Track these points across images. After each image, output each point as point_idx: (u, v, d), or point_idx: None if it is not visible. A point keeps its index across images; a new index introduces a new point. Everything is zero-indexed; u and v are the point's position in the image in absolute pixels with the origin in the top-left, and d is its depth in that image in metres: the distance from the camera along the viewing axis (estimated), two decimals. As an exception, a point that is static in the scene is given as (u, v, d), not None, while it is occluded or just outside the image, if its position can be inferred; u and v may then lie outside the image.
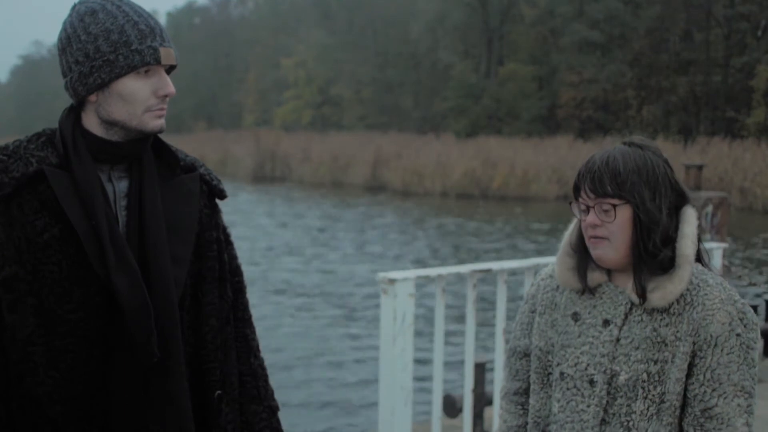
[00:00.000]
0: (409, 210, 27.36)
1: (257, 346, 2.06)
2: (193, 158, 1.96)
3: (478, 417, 5.27)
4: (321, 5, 61.18)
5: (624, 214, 1.85)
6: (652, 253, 1.85)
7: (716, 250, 5.80)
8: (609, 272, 1.93)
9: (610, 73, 38.18)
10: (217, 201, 2.00)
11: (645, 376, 1.83)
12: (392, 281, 3.74)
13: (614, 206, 1.85)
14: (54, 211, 1.72)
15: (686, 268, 1.84)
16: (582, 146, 32.80)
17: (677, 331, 1.83)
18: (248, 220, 23.59)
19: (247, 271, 2.17)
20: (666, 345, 1.83)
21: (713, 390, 1.82)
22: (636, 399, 1.84)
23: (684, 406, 1.85)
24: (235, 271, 2.03)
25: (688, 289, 1.85)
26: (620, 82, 38.09)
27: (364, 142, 40.99)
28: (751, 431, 1.83)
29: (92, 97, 1.77)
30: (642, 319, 1.86)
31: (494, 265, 4.23)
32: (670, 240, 1.86)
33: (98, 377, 1.75)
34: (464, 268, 4.13)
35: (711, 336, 1.82)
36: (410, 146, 37.90)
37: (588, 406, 1.88)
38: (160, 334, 1.75)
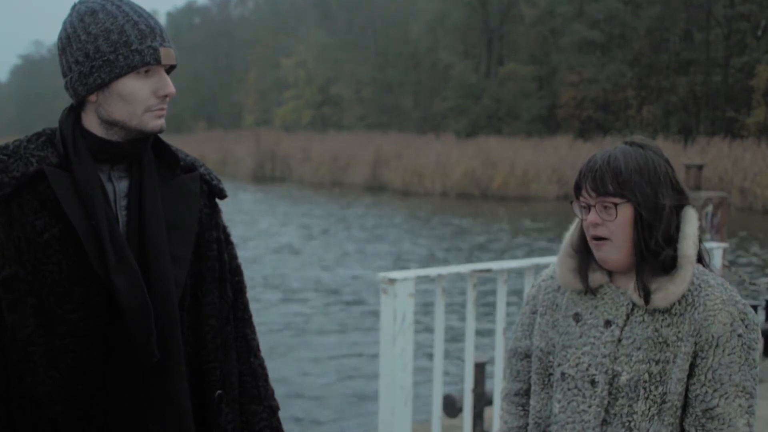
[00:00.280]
0: (409, 210, 27.36)
1: (257, 346, 2.06)
2: (193, 158, 1.96)
3: (478, 417, 5.28)
4: (321, 5, 61.18)
5: (625, 212, 1.85)
6: (654, 252, 1.84)
7: (716, 250, 5.80)
8: (610, 273, 1.93)
9: (610, 73, 38.18)
10: (217, 201, 2.00)
11: (646, 376, 1.83)
12: (392, 281, 3.74)
13: (615, 205, 1.84)
14: (54, 211, 1.72)
15: (688, 269, 1.84)
16: (582, 146, 32.80)
17: (679, 332, 1.83)
18: (248, 219, 23.59)
19: (247, 271, 2.17)
20: (667, 345, 1.83)
21: (714, 390, 1.81)
22: (637, 399, 1.84)
23: (685, 406, 1.85)
24: (235, 271, 2.03)
25: (689, 290, 1.85)
26: (620, 82, 38.09)
27: (364, 142, 41.00)
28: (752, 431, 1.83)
29: (92, 97, 1.76)
30: (643, 320, 1.86)
31: (494, 265, 4.23)
32: (672, 240, 1.86)
33: (98, 377, 1.75)
34: (464, 268, 4.13)
35: (712, 336, 1.82)
36: (410, 146, 37.91)
37: (589, 407, 1.88)
38: (160, 334, 1.75)
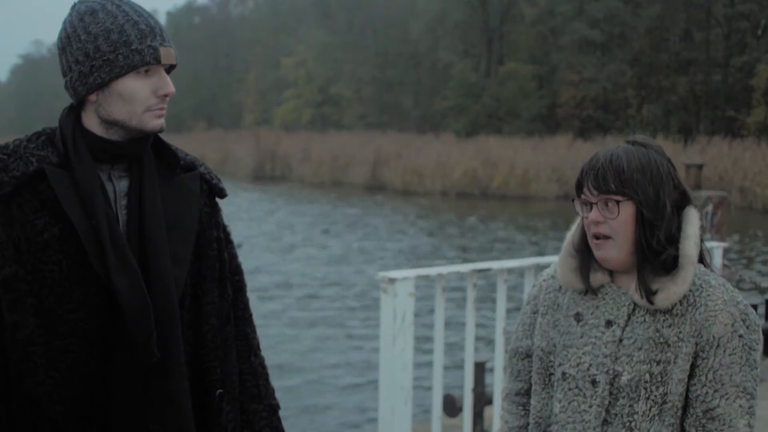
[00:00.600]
0: (409, 209, 27.36)
1: (257, 345, 2.06)
2: (193, 157, 1.96)
3: (478, 416, 5.27)
4: (321, 5, 61.17)
5: (627, 210, 1.85)
6: (656, 252, 1.84)
7: (716, 249, 5.80)
8: (611, 273, 1.92)
9: (610, 72, 38.18)
10: (217, 200, 2.00)
11: (647, 376, 1.83)
12: (392, 281, 3.74)
13: (618, 202, 1.84)
14: (54, 211, 1.72)
15: (689, 269, 1.83)
16: (582, 145, 32.80)
17: (680, 332, 1.83)
18: (248, 219, 23.59)
19: (247, 271, 2.17)
20: (668, 346, 1.83)
21: (715, 391, 1.81)
22: (638, 399, 1.83)
23: (686, 406, 1.85)
24: (235, 270, 2.03)
25: (690, 290, 1.84)
26: (620, 82, 38.09)
27: (364, 141, 41.01)
28: (752, 432, 1.83)
29: (92, 97, 1.76)
30: (645, 320, 1.86)
31: (494, 265, 4.23)
32: (673, 240, 1.86)
33: (98, 377, 1.75)
34: (464, 268, 4.13)
35: (713, 337, 1.81)
36: (410, 146, 37.92)
37: (590, 407, 1.88)
38: (160, 334, 1.75)
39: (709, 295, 1.84)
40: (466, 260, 15.01)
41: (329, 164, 40.81)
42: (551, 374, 1.98)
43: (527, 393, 2.09)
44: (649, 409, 1.83)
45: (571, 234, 2.00)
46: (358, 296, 12.98)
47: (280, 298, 12.84)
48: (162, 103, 1.79)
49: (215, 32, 72.57)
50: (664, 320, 1.84)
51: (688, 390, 1.84)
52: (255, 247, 18.08)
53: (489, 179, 33.00)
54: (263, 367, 2.05)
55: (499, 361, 4.27)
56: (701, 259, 1.91)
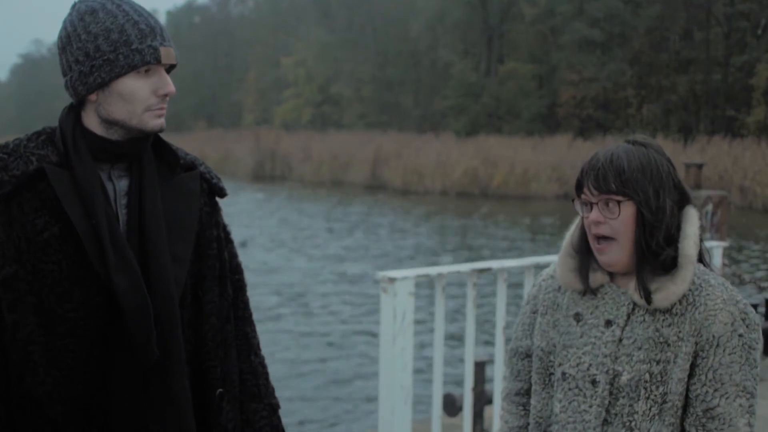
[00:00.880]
0: (409, 209, 27.36)
1: (257, 344, 2.06)
2: (193, 157, 1.96)
3: (478, 416, 5.27)
4: (321, 4, 61.15)
5: (627, 210, 1.84)
6: (655, 252, 1.84)
7: (716, 248, 5.80)
8: (611, 273, 1.92)
9: (610, 71, 38.18)
10: (217, 199, 2.00)
11: (647, 376, 1.83)
12: (392, 280, 3.74)
13: (618, 202, 1.84)
14: (54, 210, 1.72)
15: (689, 269, 1.83)
16: (582, 145, 32.80)
17: (679, 332, 1.83)
18: (248, 218, 23.59)
19: (247, 270, 2.17)
20: (668, 345, 1.83)
21: (715, 390, 1.81)
22: (638, 399, 1.83)
23: (686, 406, 1.85)
24: (235, 269, 2.03)
25: (690, 290, 1.84)
26: (620, 81, 38.09)
27: (364, 141, 41.01)
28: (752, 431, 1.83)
29: (92, 96, 1.76)
30: (644, 320, 1.85)
31: (494, 264, 4.23)
32: (673, 239, 1.86)
33: (98, 377, 1.75)
34: (464, 267, 4.13)
35: (713, 336, 1.81)
36: (410, 145, 37.92)
37: (590, 407, 1.88)
38: (160, 334, 1.75)
39: (708, 295, 1.84)
40: (468, 259, 15.02)
41: (329, 164, 40.81)
42: (551, 374, 1.98)
43: (527, 393, 2.09)
44: (649, 409, 1.83)
45: (570, 234, 2.00)
46: (357, 295, 12.97)
47: (278, 297, 12.84)
48: (162, 102, 1.79)
49: (215, 32, 72.56)
50: (663, 320, 1.84)
51: (688, 389, 1.84)
52: (257, 246, 18.09)
53: (489, 179, 33.00)
54: (263, 366, 2.05)
55: (499, 360, 4.27)
56: (701, 259, 1.91)
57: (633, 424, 1.83)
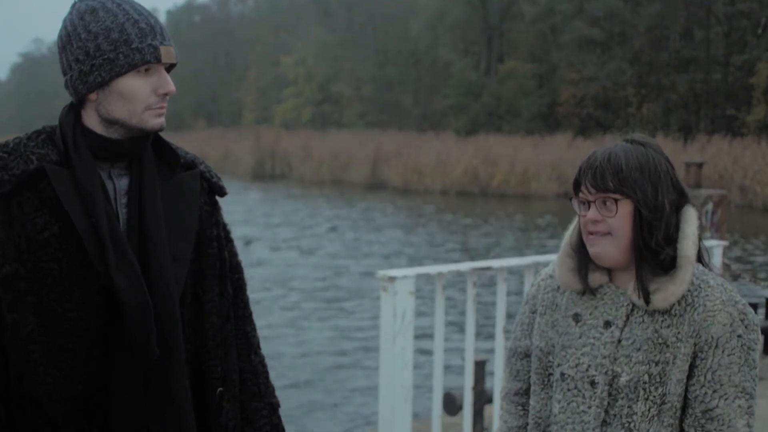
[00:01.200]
0: (409, 208, 27.35)
1: (257, 343, 2.06)
2: (193, 155, 1.96)
3: (478, 415, 5.27)
4: (321, 3, 61.13)
5: (625, 209, 1.84)
6: (654, 251, 1.84)
7: (716, 248, 5.80)
8: (610, 273, 1.92)
9: (610, 70, 38.17)
10: (217, 198, 2.00)
11: (646, 377, 1.83)
12: (392, 279, 3.74)
13: (616, 201, 1.84)
14: (54, 209, 1.72)
15: (688, 269, 1.83)
16: (582, 144, 32.79)
17: (678, 333, 1.83)
18: (249, 218, 23.59)
19: (247, 270, 2.17)
20: (667, 346, 1.83)
21: (714, 391, 1.81)
22: (637, 400, 1.83)
23: (685, 407, 1.85)
24: (235, 268, 2.03)
25: (689, 290, 1.84)
26: (620, 80, 38.08)
27: (364, 140, 41.00)
28: (751, 432, 1.83)
29: (92, 96, 1.76)
30: (643, 321, 1.85)
31: (494, 263, 4.23)
32: (671, 239, 1.86)
33: (98, 377, 1.75)
34: (464, 266, 4.13)
35: (712, 337, 1.81)
36: (410, 144, 37.91)
37: (589, 407, 1.87)
38: (160, 333, 1.75)
39: (707, 296, 1.83)
40: (468, 258, 15.02)
41: (329, 163, 40.80)
42: (550, 374, 1.98)
43: (526, 393, 2.09)
44: (648, 410, 1.83)
45: (569, 234, 1.99)
46: (357, 295, 12.97)
47: (281, 296, 12.84)
48: (162, 101, 1.79)
49: (215, 30, 72.53)
50: (662, 321, 1.84)
51: (687, 390, 1.84)
52: (260, 245, 18.11)
53: (489, 178, 32.99)
54: (263, 365, 2.05)
55: (499, 359, 4.27)
56: (700, 259, 1.91)
57: (632, 425, 1.83)
